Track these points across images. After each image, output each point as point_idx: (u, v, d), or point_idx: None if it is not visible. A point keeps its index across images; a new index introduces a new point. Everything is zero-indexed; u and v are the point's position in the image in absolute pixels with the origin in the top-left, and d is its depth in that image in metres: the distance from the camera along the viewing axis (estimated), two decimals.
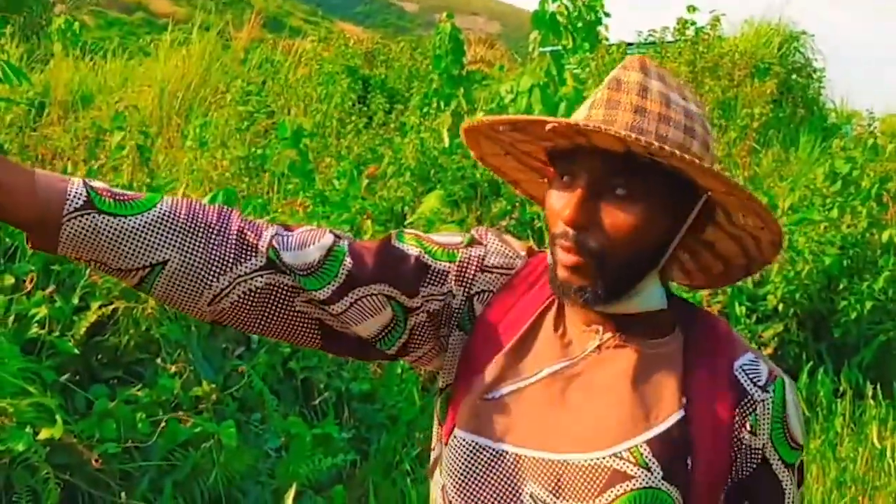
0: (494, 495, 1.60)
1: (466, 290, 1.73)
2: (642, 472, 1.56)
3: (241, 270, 1.62)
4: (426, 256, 1.72)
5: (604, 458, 1.57)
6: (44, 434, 3.60)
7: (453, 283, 1.72)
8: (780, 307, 7.76)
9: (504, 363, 1.67)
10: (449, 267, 1.72)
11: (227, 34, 14.07)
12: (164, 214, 1.59)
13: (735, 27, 16.61)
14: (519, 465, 1.60)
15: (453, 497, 1.64)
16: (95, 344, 4.36)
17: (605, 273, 1.58)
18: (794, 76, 15.74)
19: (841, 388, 7.63)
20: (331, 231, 1.70)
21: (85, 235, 1.54)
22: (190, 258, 1.59)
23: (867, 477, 6.34)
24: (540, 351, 1.67)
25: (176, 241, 1.58)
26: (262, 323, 1.68)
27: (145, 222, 1.57)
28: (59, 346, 4.12)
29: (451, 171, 8.69)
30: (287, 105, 12.33)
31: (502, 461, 1.61)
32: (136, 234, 1.56)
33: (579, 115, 1.61)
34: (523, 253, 1.78)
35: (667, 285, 1.71)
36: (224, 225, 1.62)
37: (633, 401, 1.61)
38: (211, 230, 1.61)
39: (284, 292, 1.66)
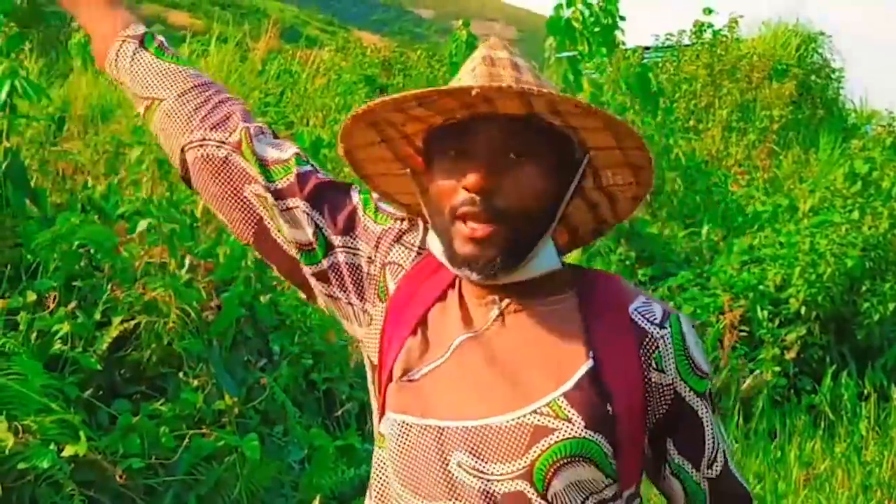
0: (424, 467, 1.65)
1: (382, 256, 1.83)
2: (564, 424, 1.60)
3: (211, 135, 1.85)
4: (361, 210, 1.85)
5: (524, 416, 1.61)
6: (68, 451, 3.60)
7: (373, 246, 1.83)
8: (803, 310, 7.71)
9: (417, 345, 1.73)
10: (374, 228, 1.84)
11: (245, 45, 14.11)
12: (183, 70, 1.90)
13: (752, 29, 16.60)
14: (443, 437, 1.64)
15: (389, 472, 1.72)
16: (118, 359, 4.38)
17: (511, 238, 1.64)
18: (812, 77, 15.68)
19: (865, 391, 7.57)
20: (299, 150, 1.88)
21: (120, 57, 1.90)
22: (180, 103, 1.86)
23: (893, 481, 6.30)
24: (448, 329, 1.73)
25: (177, 89, 1.87)
26: (212, 192, 1.87)
27: (165, 68, 1.89)
28: (81, 362, 4.13)
29: None
30: (305, 115, 12.35)
31: (427, 434, 1.65)
32: (153, 71, 1.89)
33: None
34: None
35: (556, 246, 1.77)
36: (222, 102, 1.88)
37: (542, 358, 1.66)
38: (209, 98, 1.88)
39: (238, 173, 1.84)
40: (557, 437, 1.60)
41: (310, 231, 1.82)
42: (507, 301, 1.71)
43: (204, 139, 1.84)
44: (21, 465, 3.49)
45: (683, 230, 8.91)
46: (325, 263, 1.83)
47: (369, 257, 1.83)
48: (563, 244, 1.83)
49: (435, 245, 1.74)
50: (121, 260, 4.63)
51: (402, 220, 1.86)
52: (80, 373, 4.15)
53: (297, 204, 1.82)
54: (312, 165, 1.87)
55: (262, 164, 1.83)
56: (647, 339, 1.68)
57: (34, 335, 4.10)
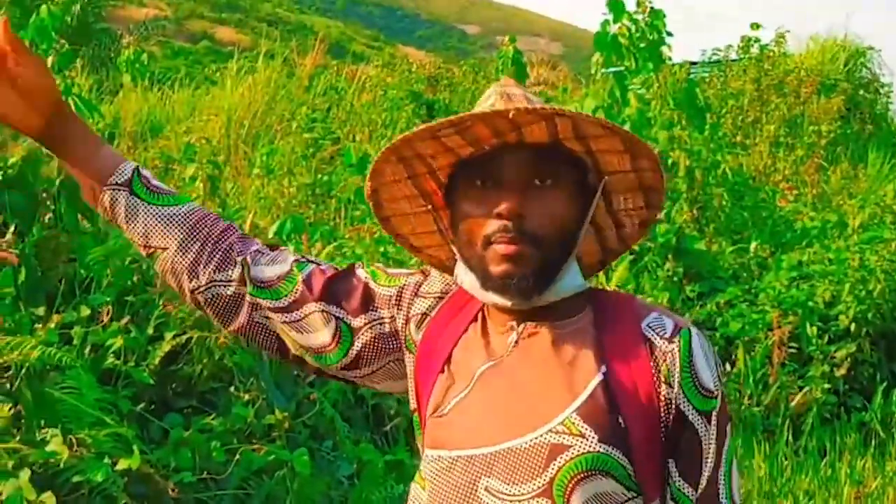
0: (456, 497, 1.71)
1: (404, 312, 1.91)
2: (578, 440, 1.65)
3: (216, 277, 1.91)
4: (373, 283, 1.93)
5: (541, 436, 1.67)
6: (121, 464, 3.63)
7: (394, 307, 1.91)
8: (853, 327, 7.64)
9: (445, 380, 1.80)
10: (390, 292, 1.92)
11: (292, 61, 14.20)
12: (179, 213, 1.93)
13: (800, 44, 16.50)
14: (471, 465, 1.70)
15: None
16: (170, 373, 4.41)
17: (539, 260, 1.70)
18: (861, 92, 15.58)
19: None
20: (301, 256, 1.97)
21: (114, 205, 1.90)
22: (182, 253, 1.91)
23: None
24: (471, 362, 1.79)
25: (177, 237, 1.91)
26: (231, 325, 1.95)
27: (161, 214, 1.92)
28: (134, 376, 4.17)
29: None
30: (352, 131, 12.41)
31: (458, 465, 1.72)
32: (151, 219, 1.91)
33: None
34: (455, 287, 1.90)
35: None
36: (220, 238, 1.93)
37: (555, 378, 1.72)
38: (208, 239, 1.92)
39: (246, 304, 1.92)
40: (573, 453, 1.64)
41: (328, 332, 1.90)
42: (522, 326, 1.77)
43: (210, 282, 1.91)
44: (76, 479, 3.52)
45: (731, 246, 8.85)
46: (353, 352, 1.91)
47: (392, 317, 1.91)
48: None
49: (466, 278, 1.80)
50: None
51: (414, 274, 1.95)
52: (132, 387, 4.19)
53: (312, 308, 1.90)
54: (313, 262, 1.96)
55: (265, 288, 1.91)
56: (656, 353, 1.71)
57: (88, 349, 4.14)
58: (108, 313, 4.28)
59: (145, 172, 1.94)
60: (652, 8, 9.66)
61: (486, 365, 1.76)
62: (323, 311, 1.89)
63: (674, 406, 1.69)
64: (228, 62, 13.53)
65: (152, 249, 1.91)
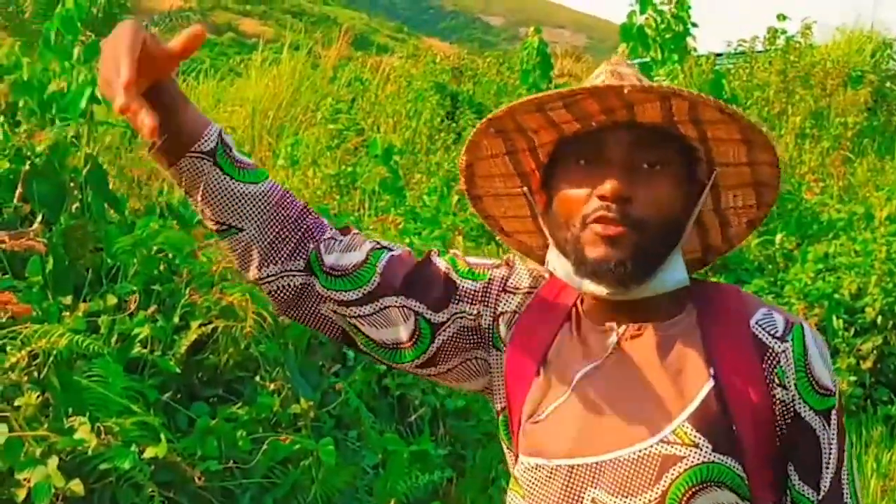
0: None
1: (492, 310, 1.82)
2: (691, 451, 1.58)
3: (288, 266, 1.80)
4: (455, 275, 1.83)
5: (651, 447, 1.60)
6: (149, 453, 3.64)
7: (479, 302, 1.82)
8: (879, 319, 7.61)
9: (540, 384, 1.71)
10: (475, 286, 1.82)
11: (316, 53, 14.21)
12: (259, 193, 1.77)
13: (826, 35, 16.43)
14: (574, 475, 1.63)
15: None
16: (196, 362, 4.42)
17: (641, 247, 1.61)
18: (888, 84, 15.47)
19: None
20: (375, 242, 1.86)
21: (194, 174, 1.72)
22: (258, 238, 1.78)
23: None
24: (567, 363, 1.71)
25: (255, 219, 1.77)
26: (294, 314, 1.85)
27: (242, 192, 1.76)
28: (160, 365, 4.18)
29: None
30: (376, 122, 12.42)
31: (558, 475, 1.64)
32: (230, 196, 1.75)
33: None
34: (547, 275, 1.81)
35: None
36: (297, 223, 1.80)
37: (662, 384, 1.63)
38: (285, 224, 1.79)
39: (315, 295, 1.81)
40: (686, 464, 1.57)
41: (406, 329, 1.80)
42: (623, 327, 1.68)
43: (281, 272, 1.80)
44: (103, 466, 3.53)
45: (757, 237, 8.83)
46: (431, 349, 1.81)
47: (477, 313, 1.82)
48: None
49: (559, 263, 1.71)
50: (199, 265, 4.68)
51: (498, 266, 1.85)
52: (159, 376, 4.20)
53: (390, 302, 1.80)
54: (388, 248, 1.86)
55: (339, 277, 1.80)
56: (768, 354, 1.63)
57: (115, 338, 4.16)
58: (134, 302, 4.28)
59: (227, 139, 1.76)
60: None
61: (585, 368, 1.68)
62: (402, 305, 1.79)
63: (790, 409, 1.62)
64: (253, 54, 13.54)
65: (226, 227, 1.77)
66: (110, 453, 3.55)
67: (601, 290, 1.64)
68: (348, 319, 1.82)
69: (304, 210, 1.83)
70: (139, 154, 7.68)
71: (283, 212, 1.79)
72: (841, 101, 13.87)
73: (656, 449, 1.59)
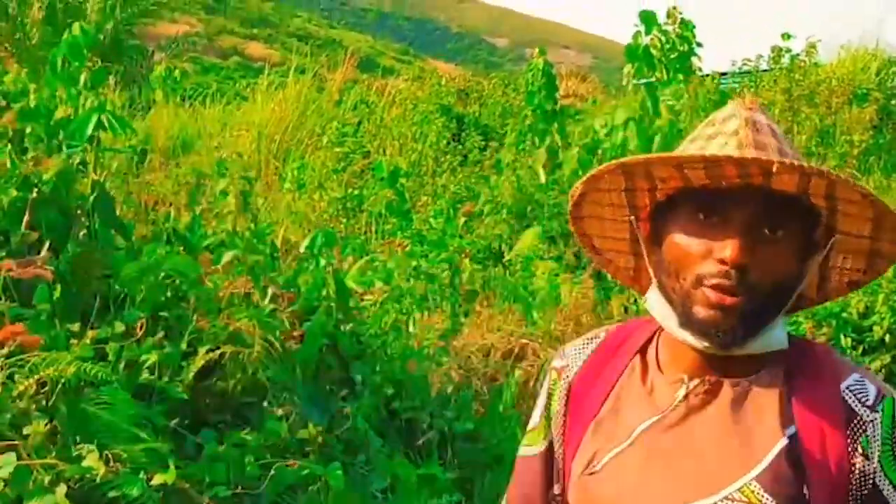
0: None
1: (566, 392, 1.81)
2: None
3: None
4: (537, 454, 1.85)
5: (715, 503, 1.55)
6: (157, 479, 3.64)
7: (558, 436, 1.82)
8: (887, 338, 7.59)
9: (599, 433, 1.69)
10: (545, 444, 1.83)
11: (322, 76, 14.26)
12: None
13: (831, 53, 16.45)
14: None
15: None
16: (204, 388, 4.42)
17: (753, 311, 1.56)
18: (893, 101, 15.46)
19: None
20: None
21: None
22: None
23: None
24: (630, 412, 1.68)
25: None
26: None
27: None
28: (168, 392, 4.18)
29: (548, 207, 8.68)
30: (382, 145, 12.45)
31: None
32: None
33: (718, 151, 1.59)
34: (603, 334, 1.81)
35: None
36: None
37: (731, 440, 1.59)
38: None
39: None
40: None
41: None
42: (696, 381, 1.64)
43: None
44: (112, 494, 3.52)
45: None
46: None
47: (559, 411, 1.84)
48: None
49: (658, 306, 1.68)
50: (206, 291, 4.68)
51: (542, 397, 1.86)
52: (167, 402, 4.19)
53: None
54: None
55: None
56: (856, 421, 1.58)
57: (122, 365, 4.15)
58: (142, 328, 4.29)
59: None
60: (682, 19, 9.65)
61: (648, 420, 1.65)
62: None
63: (869, 479, 1.56)
64: (259, 77, 13.61)
65: None
66: (119, 480, 3.54)
67: (702, 343, 1.61)
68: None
69: None
70: (145, 179, 7.71)
71: None
72: (846, 119, 13.86)
73: None
